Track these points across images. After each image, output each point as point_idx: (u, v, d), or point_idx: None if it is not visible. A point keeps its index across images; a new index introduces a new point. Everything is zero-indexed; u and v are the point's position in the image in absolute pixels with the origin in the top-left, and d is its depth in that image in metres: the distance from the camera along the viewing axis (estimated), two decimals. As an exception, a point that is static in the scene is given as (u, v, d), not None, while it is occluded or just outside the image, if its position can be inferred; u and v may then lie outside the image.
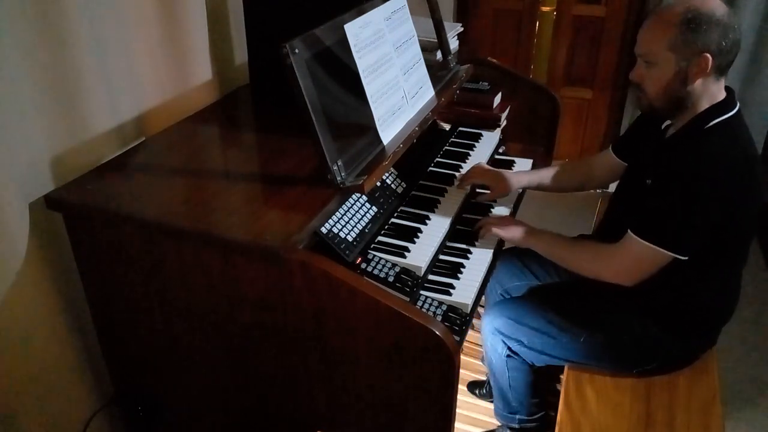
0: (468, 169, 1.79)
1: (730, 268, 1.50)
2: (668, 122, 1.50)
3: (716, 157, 1.32)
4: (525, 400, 1.70)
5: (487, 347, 1.65)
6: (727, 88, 1.41)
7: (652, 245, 1.36)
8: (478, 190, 1.79)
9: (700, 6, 1.30)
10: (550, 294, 1.75)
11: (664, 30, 1.32)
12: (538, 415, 1.73)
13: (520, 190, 1.90)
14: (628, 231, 1.40)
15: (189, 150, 1.59)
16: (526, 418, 1.73)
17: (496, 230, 1.60)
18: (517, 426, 1.75)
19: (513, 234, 1.59)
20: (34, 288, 1.37)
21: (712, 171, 1.30)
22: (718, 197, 1.31)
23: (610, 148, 1.75)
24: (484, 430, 1.93)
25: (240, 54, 1.98)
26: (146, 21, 1.59)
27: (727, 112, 1.37)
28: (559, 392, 1.56)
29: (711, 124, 1.36)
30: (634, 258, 1.40)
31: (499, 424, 1.83)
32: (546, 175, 1.83)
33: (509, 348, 1.59)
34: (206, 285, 1.29)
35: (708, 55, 1.30)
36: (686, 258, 1.36)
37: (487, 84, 2.13)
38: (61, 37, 1.33)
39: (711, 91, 1.37)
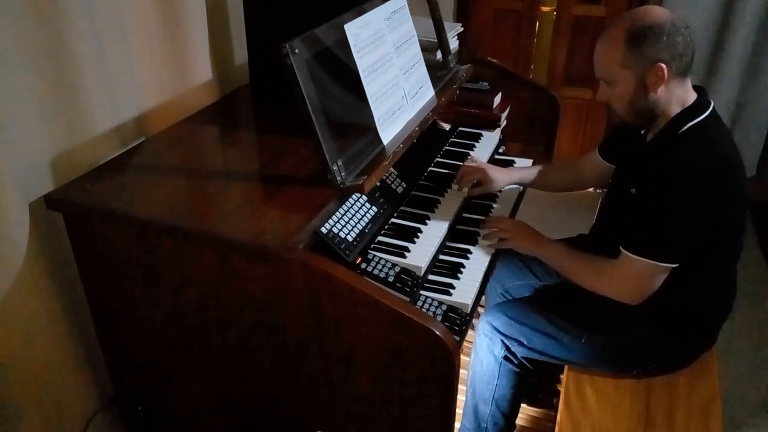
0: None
1: (725, 265, 1.50)
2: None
3: (692, 163, 1.32)
4: (500, 419, 1.65)
5: (482, 349, 1.62)
6: (699, 89, 1.42)
7: (646, 260, 1.36)
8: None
9: (642, 18, 1.32)
10: (550, 295, 1.75)
11: (613, 50, 1.35)
12: None
13: (520, 188, 1.90)
14: (622, 249, 1.40)
15: (189, 150, 1.59)
16: None
17: (505, 243, 1.59)
18: None
19: (520, 243, 1.59)
20: (34, 288, 1.37)
21: (689, 177, 1.31)
22: (700, 202, 1.32)
23: (596, 150, 1.76)
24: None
25: (240, 54, 1.98)
26: (146, 21, 1.59)
27: (700, 115, 1.37)
28: (559, 392, 1.56)
29: (684, 129, 1.37)
30: (633, 275, 1.40)
31: None
32: (537, 172, 1.85)
33: (507, 348, 1.59)
34: (206, 285, 1.29)
35: (661, 64, 1.32)
36: (678, 264, 1.37)
37: (487, 84, 2.13)
38: (62, 37, 1.33)
39: (677, 95, 1.38)
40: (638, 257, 1.36)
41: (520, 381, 1.62)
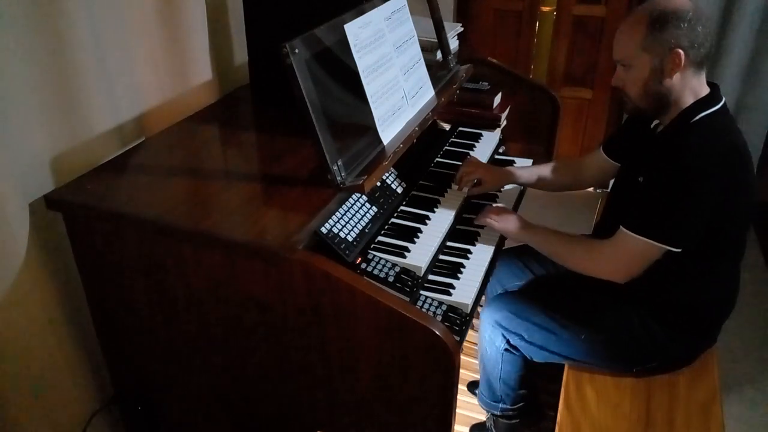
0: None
1: (728, 262, 1.51)
2: (657, 121, 1.52)
3: (703, 149, 1.34)
4: (512, 393, 1.72)
5: (485, 339, 1.66)
6: (711, 84, 1.44)
7: (642, 238, 1.37)
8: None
9: (665, 4, 1.35)
10: (551, 290, 1.75)
11: (634, 32, 1.38)
12: (520, 404, 1.75)
13: (520, 187, 1.90)
14: (620, 227, 1.41)
15: (189, 150, 1.59)
16: (509, 407, 1.75)
17: (491, 221, 1.60)
18: (498, 413, 1.77)
19: (508, 226, 1.60)
20: (34, 288, 1.37)
21: (699, 162, 1.32)
22: (707, 188, 1.33)
23: (600, 148, 1.76)
24: (473, 424, 1.97)
25: (240, 54, 1.98)
26: (146, 21, 1.59)
27: (713, 107, 1.39)
28: (559, 392, 1.56)
29: (696, 118, 1.38)
30: (625, 252, 1.41)
31: (486, 413, 1.86)
32: (537, 172, 1.86)
33: (508, 342, 1.60)
34: (206, 285, 1.29)
35: (680, 51, 1.34)
36: (679, 250, 1.37)
37: (487, 84, 2.13)
38: (62, 38, 1.33)
39: (692, 86, 1.39)
40: (636, 235, 1.37)
41: (525, 364, 1.65)
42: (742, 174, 1.38)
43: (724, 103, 1.41)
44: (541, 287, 1.80)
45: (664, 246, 1.37)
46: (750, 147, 1.45)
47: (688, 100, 1.40)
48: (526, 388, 1.73)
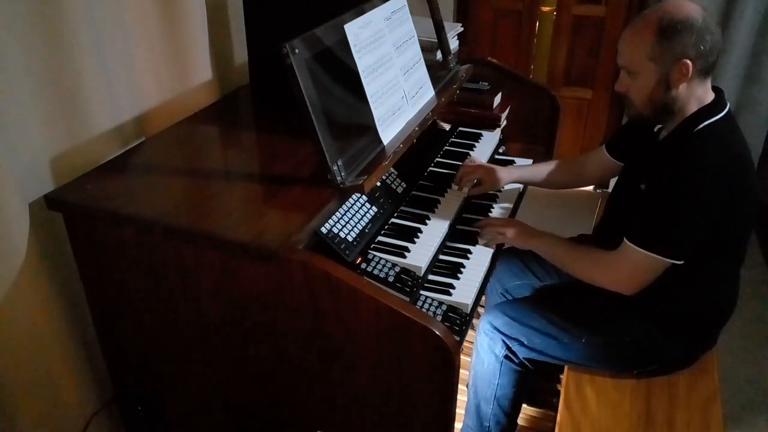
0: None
1: (729, 267, 1.50)
2: (660, 125, 1.51)
3: (706, 161, 1.32)
4: (502, 417, 1.66)
5: (483, 349, 1.63)
6: (716, 89, 1.42)
7: (648, 253, 1.36)
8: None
9: (674, 12, 1.31)
10: (551, 295, 1.75)
11: (642, 40, 1.34)
12: None
13: (520, 187, 1.90)
14: (624, 240, 1.40)
15: (189, 150, 1.59)
16: None
17: (498, 236, 1.59)
18: None
19: (514, 237, 1.59)
20: (34, 288, 1.37)
21: (702, 176, 1.31)
22: (711, 201, 1.31)
23: (603, 146, 1.75)
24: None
25: (240, 54, 1.98)
26: (146, 21, 1.59)
27: (717, 114, 1.37)
28: (559, 392, 1.56)
29: (700, 126, 1.36)
30: (632, 267, 1.40)
31: None
32: (537, 170, 1.85)
33: (508, 348, 1.59)
34: (206, 285, 1.29)
35: (687, 61, 1.31)
36: (682, 262, 1.37)
37: (487, 84, 2.13)
38: (62, 37, 1.33)
39: (697, 94, 1.37)
40: (642, 250, 1.36)
41: (522, 380, 1.62)
42: (744, 182, 1.37)
43: (729, 109, 1.39)
44: (541, 292, 1.79)
45: (669, 260, 1.36)
46: (749, 147, 1.44)
47: (693, 107, 1.38)
48: (515, 417, 1.68)
